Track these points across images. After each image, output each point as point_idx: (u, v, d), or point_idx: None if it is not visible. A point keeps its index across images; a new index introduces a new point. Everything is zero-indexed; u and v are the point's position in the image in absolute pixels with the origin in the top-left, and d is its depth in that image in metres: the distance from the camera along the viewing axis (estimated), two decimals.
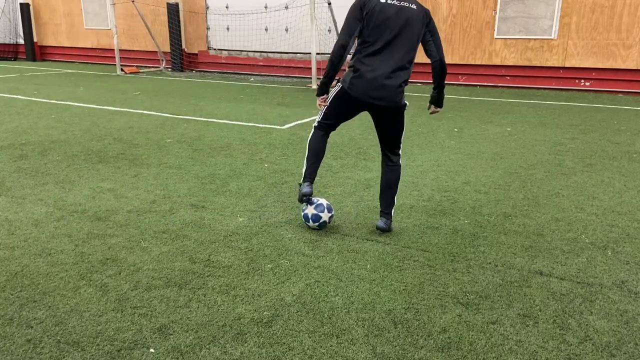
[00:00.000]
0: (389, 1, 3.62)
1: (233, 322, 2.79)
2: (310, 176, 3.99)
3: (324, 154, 4.05)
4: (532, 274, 3.38)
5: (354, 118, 4.05)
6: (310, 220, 4.02)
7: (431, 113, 4.17)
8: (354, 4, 3.70)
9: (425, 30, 3.74)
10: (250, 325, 2.76)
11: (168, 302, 2.98)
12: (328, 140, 4.08)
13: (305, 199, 3.96)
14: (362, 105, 3.81)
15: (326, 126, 4.02)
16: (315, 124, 4.03)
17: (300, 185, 4.00)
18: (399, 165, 4.07)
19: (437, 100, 4.05)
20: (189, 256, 3.58)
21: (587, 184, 5.31)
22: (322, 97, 3.96)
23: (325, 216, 4.03)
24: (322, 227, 4.07)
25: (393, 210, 4.07)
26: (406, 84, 3.80)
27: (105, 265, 3.43)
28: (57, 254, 3.59)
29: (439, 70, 3.84)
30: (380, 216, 4.03)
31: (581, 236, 4.01)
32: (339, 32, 3.80)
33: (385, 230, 3.99)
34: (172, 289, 3.13)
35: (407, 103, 3.89)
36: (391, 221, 4.05)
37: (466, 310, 2.95)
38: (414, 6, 3.68)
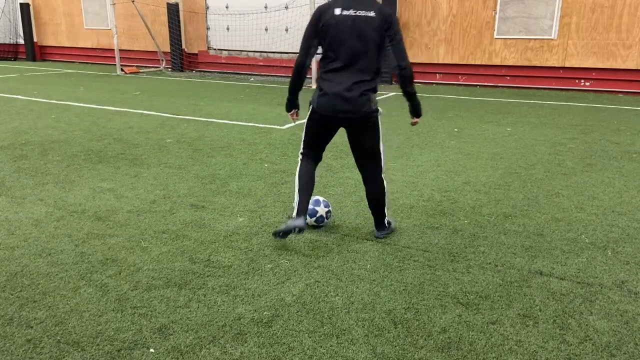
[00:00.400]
0: (344, 12, 3.48)
1: (233, 322, 2.79)
2: (302, 210, 3.76)
3: (314, 184, 3.90)
4: (532, 274, 3.38)
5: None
6: (307, 216, 3.99)
7: (412, 124, 3.98)
8: (310, 20, 3.63)
9: (385, 35, 3.54)
10: (250, 325, 2.76)
11: (168, 302, 2.98)
12: (319, 164, 3.98)
13: (298, 231, 3.70)
14: (334, 122, 3.70)
15: (310, 153, 3.91)
16: (300, 155, 3.93)
17: (291, 218, 3.85)
18: (381, 181, 3.86)
19: (412, 110, 3.85)
20: (189, 256, 3.58)
21: (587, 184, 5.31)
22: (290, 112, 3.99)
23: (321, 210, 4.04)
24: (319, 222, 4.06)
25: (387, 219, 3.98)
26: (374, 92, 3.66)
27: (105, 265, 3.43)
28: (57, 254, 3.59)
29: (400, 78, 3.65)
30: (375, 226, 4.01)
31: (581, 236, 4.01)
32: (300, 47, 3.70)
33: (381, 237, 3.94)
34: (172, 289, 3.13)
35: (381, 110, 3.74)
36: (387, 227, 3.99)
37: (466, 310, 2.95)
38: (371, 13, 3.49)
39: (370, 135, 3.73)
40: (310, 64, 3.70)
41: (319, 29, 3.56)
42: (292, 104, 3.96)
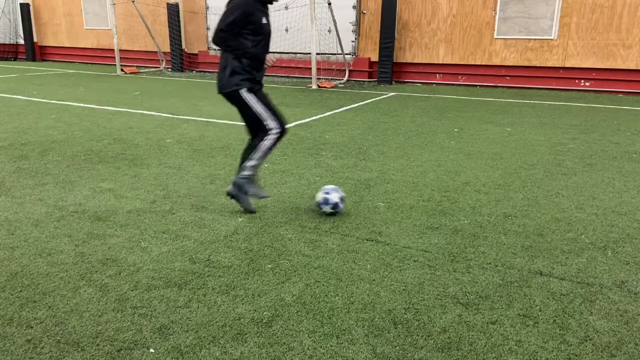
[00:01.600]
0: None
1: (233, 322, 2.79)
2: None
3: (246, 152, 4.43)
4: (532, 274, 3.38)
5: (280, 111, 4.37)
6: (323, 204, 4.31)
7: None
8: None
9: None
10: (250, 326, 2.76)
11: (168, 302, 2.98)
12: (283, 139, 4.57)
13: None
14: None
15: None
16: None
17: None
18: (261, 136, 4.31)
19: None
20: (189, 256, 3.58)
21: (587, 184, 5.31)
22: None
23: (325, 209, 4.32)
24: (336, 208, 4.31)
25: (244, 176, 4.31)
26: (236, 74, 4.20)
27: (105, 265, 3.43)
28: (57, 254, 3.59)
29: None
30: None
31: (581, 236, 4.01)
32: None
33: (229, 193, 4.37)
34: (172, 289, 3.13)
35: (242, 90, 4.25)
36: (237, 187, 4.34)
37: (466, 310, 2.94)
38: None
39: (240, 112, 4.36)
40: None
41: None
42: None
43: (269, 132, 4.25)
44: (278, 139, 4.29)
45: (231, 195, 4.36)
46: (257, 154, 4.26)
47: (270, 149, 4.28)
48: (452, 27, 14.29)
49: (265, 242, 3.84)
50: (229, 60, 4.15)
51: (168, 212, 4.42)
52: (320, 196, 4.33)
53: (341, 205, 4.33)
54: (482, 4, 13.85)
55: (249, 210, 4.36)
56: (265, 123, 4.26)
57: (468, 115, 9.62)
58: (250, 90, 4.22)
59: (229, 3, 4.05)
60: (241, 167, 4.33)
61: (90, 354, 2.51)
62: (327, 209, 4.30)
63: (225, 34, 4.00)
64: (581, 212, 4.53)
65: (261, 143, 4.26)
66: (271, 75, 16.06)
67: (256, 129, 4.32)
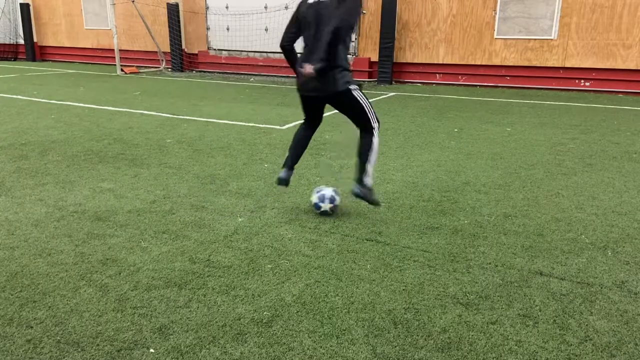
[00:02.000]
0: (309, 1, 4.00)
1: (233, 322, 2.79)
2: (288, 163, 4.39)
3: (305, 143, 4.46)
4: (532, 274, 3.38)
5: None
6: (320, 202, 4.32)
7: (305, 73, 3.98)
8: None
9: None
10: (250, 326, 2.76)
11: (168, 302, 2.98)
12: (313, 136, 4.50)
13: (283, 183, 4.38)
14: (312, 100, 4.21)
15: (304, 120, 4.47)
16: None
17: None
18: (370, 136, 4.20)
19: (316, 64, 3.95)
20: (189, 256, 3.58)
21: (587, 184, 5.31)
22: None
23: (325, 206, 4.32)
24: (333, 202, 4.32)
25: (368, 179, 4.21)
26: (338, 70, 3.93)
27: (105, 265, 3.43)
28: (57, 254, 3.59)
29: (332, 35, 3.77)
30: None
31: (581, 236, 4.01)
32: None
33: (356, 194, 4.23)
34: (172, 289, 3.13)
35: (354, 86, 4.04)
36: (365, 188, 4.21)
37: (466, 310, 2.94)
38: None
39: (349, 107, 4.13)
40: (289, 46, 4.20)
41: (298, 18, 4.11)
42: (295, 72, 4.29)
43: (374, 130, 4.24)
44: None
45: (358, 195, 4.24)
46: (373, 156, 4.24)
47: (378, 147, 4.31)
48: (452, 27, 14.29)
49: (265, 242, 3.84)
50: (339, 58, 3.91)
51: (168, 212, 4.42)
52: (314, 197, 4.34)
53: (337, 198, 4.34)
54: (482, 4, 13.85)
55: (376, 203, 4.32)
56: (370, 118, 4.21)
57: (468, 115, 9.62)
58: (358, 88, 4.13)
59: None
60: (361, 172, 4.20)
61: (90, 354, 2.51)
62: (326, 205, 4.28)
63: (348, 32, 3.88)
64: (581, 212, 4.53)
65: (372, 144, 4.21)
66: (271, 75, 16.07)
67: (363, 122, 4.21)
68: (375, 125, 4.20)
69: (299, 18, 4.09)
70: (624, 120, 9.12)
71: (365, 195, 4.22)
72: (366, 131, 4.20)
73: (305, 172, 5.62)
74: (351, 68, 4.08)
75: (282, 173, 4.40)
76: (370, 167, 4.21)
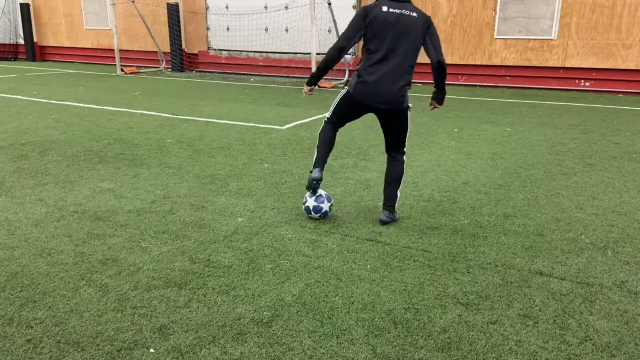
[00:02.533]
0: (390, 10, 3.82)
1: (233, 322, 2.79)
2: (319, 163, 4.19)
3: (333, 143, 4.30)
4: (532, 274, 3.38)
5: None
6: (312, 212, 4.21)
7: (432, 109, 4.41)
8: (357, 12, 3.93)
9: (425, 35, 3.94)
10: (250, 326, 2.76)
11: (168, 302, 2.98)
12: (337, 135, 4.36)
13: (315, 184, 4.14)
14: (366, 108, 4.06)
15: (334, 122, 4.27)
16: (326, 118, 4.29)
17: (311, 172, 4.18)
18: (402, 162, 4.28)
19: (437, 97, 4.26)
20: (189, 256, 3.58)
21: (587, 184, 5.31)
22: (310, 87, 4.34)
23: (325, 206, 4.22)
24: (325, 216, 4.26)
25: (397, 205, 4.27)
26: (409, 87, 4.01)
27: (105, 265, 3.43)
28: (57, 254, 3.59)
29: (436, 72, 4.03)
30: (383, 209, 4.25)
31: (581, 236, 4.01)
32: (340, 35, 4.02)
33: (385, 222, 4.17)
34: (172, 289, 3.13)
35: (411, 105, 4.10)
36: (394, 214, 4.24)
37: (466, 310, 2.95)
38: (414, 14, 3.87)
39: (399, 125, 4.15)
40: (348, 50, 4.03)
41: (366, 23, 3.87)
42: (316, 80, 4.29)
43: (404, 156, 4.33)
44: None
45: (385, 222, 4.22)
46: (401, 185, 4.29)
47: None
48: (452, 27, 14.28)
49: (265, 242, 3.84)
50: (407, 73, 3.99)
51: (168, 212, 4.42)
52: (310, 202, 4.21)
53: (329, 211, 4.29)
54: (482, 4, 13.84)
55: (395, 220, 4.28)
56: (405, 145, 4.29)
57: (468, 115, 9.62)
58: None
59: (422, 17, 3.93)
60: (392, 201, 4.23)
61: (90, 354, 2.51)
62: (326, 205, 4.22)
63: None
64: (581, 212, 4.53)
65: (402, 172, 4.27)
66: (271, 76, 16.07)
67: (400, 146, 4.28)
68: (406, 150, 4.31)
69: (373, 25, 3.85)
70: (624, 120, 9.12)
71: (393, 220, 4.26)
72: (398, 154, 4.25)
73: (305, 172, 5.62)
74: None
75: (316, 173, 4.17)
76: (399, 193, 4.28)
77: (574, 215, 4.46)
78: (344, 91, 4.12)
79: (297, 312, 2.90)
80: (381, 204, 4.64)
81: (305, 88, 4.35)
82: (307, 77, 4.29)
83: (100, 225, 4.12)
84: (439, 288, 3.19)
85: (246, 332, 2.71)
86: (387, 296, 3.09)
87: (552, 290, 3.17)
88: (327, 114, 4.28)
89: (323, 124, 4.31)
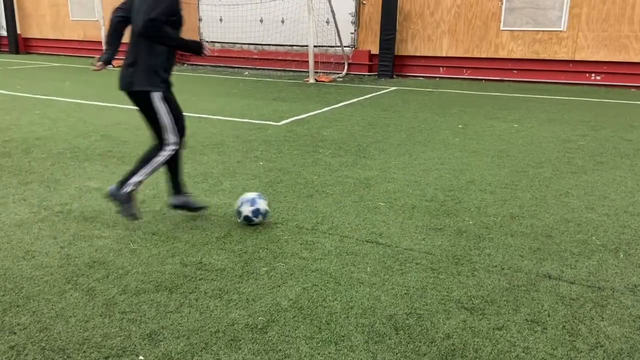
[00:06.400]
0: None
1: (226, 328, 2.79)
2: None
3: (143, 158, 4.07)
4: (541, 278, 3.38)
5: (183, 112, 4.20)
6: (254, 218, 4.09)
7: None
8: None
9: None
10: (245, 331, 2.76)
11: (158, 307, 2.97)
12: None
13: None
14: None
15: None
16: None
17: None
18: (159, 150, 4.00)
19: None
20: (180, 259, 3.57)
21: (598, 183, 5.32)
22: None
23: (257, 220, 4.10)
24: (265, 216, 4.15)
25: (127, 186, 3.97)
26: (146, 67, 3.85)
27: (92, 268, 3.43)
28: (42, 256, 3.58)
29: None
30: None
31: (592, 238, 4.02)
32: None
33: (112, 195, 3.97)
34: (163, 293, 3.13)
35: (155, 93, 3.89)
36: (121, 190, 3.97)
37: (471, 315, 2.95)
38: None
39: (145, 114, 4.01)
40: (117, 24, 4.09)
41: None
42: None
43: (166, 147, 4.00)
44: (173, 155, 4.06)
45: (112, 197, 4.00)
46: (147, 169, 3.98)
47: (162, 165, 4.03)
48: (456, 18, 14.29)
49: (260, 243, 3.84)
50: (149, 54, 3.83)
51: (158, 212, 4.42)
52: (245, 208, 4.08)
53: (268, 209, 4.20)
54: None
55: (130, 216, 4.04)
56: (165, 136, 3.99)
57: (473, 110, 9.63)
58: (164, 96, 3.93)
59: None
60: (127, 177, 3.99)
61: None
62: (259, 219, 4.11)
63: (157, 23, 3.58)
64: (592, 212, 4.54)
65: (154, 158, 3.98)
66: (266, 69, 16.07)
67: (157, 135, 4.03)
68: (169, 142, 4.02)
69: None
70: (636, 116, 9.14)
71: (115, 197, 3.98)
72: (160, 142, 4.03)
73: (302, 170, 5.62)
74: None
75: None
76: (136, 179, 4.00)
77: (584, 215, 4.47)
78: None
79: (294, 317, 2.90)
80: (382, 204, 4.64)
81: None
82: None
83: (87, 226, 4.11)
84: (442, 292, 3.19)
85: (240, 338, 2.71)
86: (388, 301, 3.09)
87: (561, 295, 3.18)
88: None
89: None
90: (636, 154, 6.53)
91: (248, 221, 4.11)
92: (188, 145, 6.65)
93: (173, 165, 4.15)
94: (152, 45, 3.78)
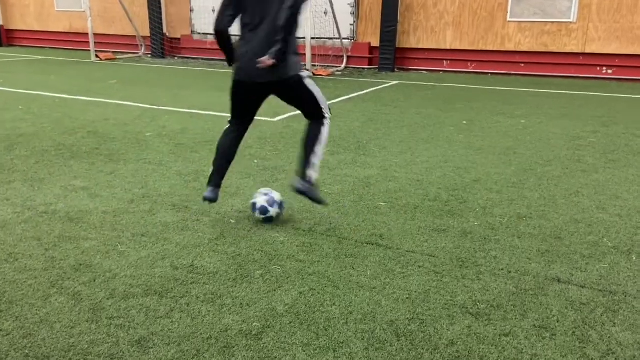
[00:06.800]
0: None
1: (219, 334, 2.79)
2: (214, 181, 4.22)
3: (232, 154, 4.29)
4: (549, 281, 3.39)
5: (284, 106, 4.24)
6: (257, 211, 4.18)
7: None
8: None
9: None
10: (239, 338, 2.76)
11: (147, 312, 2.97)
12: (244, 139, 4.35)
13: (208, 204, 4.23)
14: (255, 89, 4.05)
15: (232, 120, 4.36)
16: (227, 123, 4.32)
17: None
18: (320, 125, 4.16)
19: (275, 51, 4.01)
20: (171, 261, 3.57)
21: (609, 182, 5.33)
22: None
23: (272, 211, 4.18)
24: (268, 221, 4.20)
25: (311, 173, 4.08)
26: (292, 53, 3.91)
27: (79, 271, 3.42)
28: (25, 259, 3.58)
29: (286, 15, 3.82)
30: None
31: (603, 239, 4.02)
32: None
33: (299, 191, 4.06)
34: (152, 297, 3.13)
35: (305, 74, 4.03)
36: (308, 183, 4.07)
37: (476, 321, 2.95)
38: None
39: (299, 94, 4.09)
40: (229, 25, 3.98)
41: None
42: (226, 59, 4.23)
43: (325, 119, 4.21)
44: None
45: (300, 191, 4.10)
46: (321, 146, 4.17)
47: (328, 136, 4.25)
48: (460, 8, 14.29)
49: (255, 245, 3.84)
50: (293, 40, 3.93)
51: (148, 212, 4.41)
52: (260, 199, 4.18)
53: (278, 201, 4.25)
54: None
55: (321, 202, 4.21)
56: (323, 107, 4.17)
57: (478, 106, 9.63)
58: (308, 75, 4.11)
59: None
60: (305, 164, 4.10)
61: None
62: (275, 210, 4.18)
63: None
64: (603, 212, 4.54)
65: (321, 134, 4.16)
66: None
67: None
68: (327, 114, 4.20)
69: None
70: None
71: (307, 191, 4.08)
72: (317, 119, 4.18)
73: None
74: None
75: (208, 192, 4.17)
76: (316, 160, 4.14)
77: (595, 216, 4.47)
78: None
79: (290, 323, 2.90)
80: (383, 204, 4.64)
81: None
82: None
83: (72, 227, 4.11)
84: (446, 296, 3.19)
85: (234, 345, 2.71)
86: (389, 305, 3.09)
87: (571, 299, 3.18)
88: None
89: (223, 130, 4.38)
90: None
91: (264, 213, 4.16)
92: (178, 142, 6.65)
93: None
94: (293, 31, 3.89)
